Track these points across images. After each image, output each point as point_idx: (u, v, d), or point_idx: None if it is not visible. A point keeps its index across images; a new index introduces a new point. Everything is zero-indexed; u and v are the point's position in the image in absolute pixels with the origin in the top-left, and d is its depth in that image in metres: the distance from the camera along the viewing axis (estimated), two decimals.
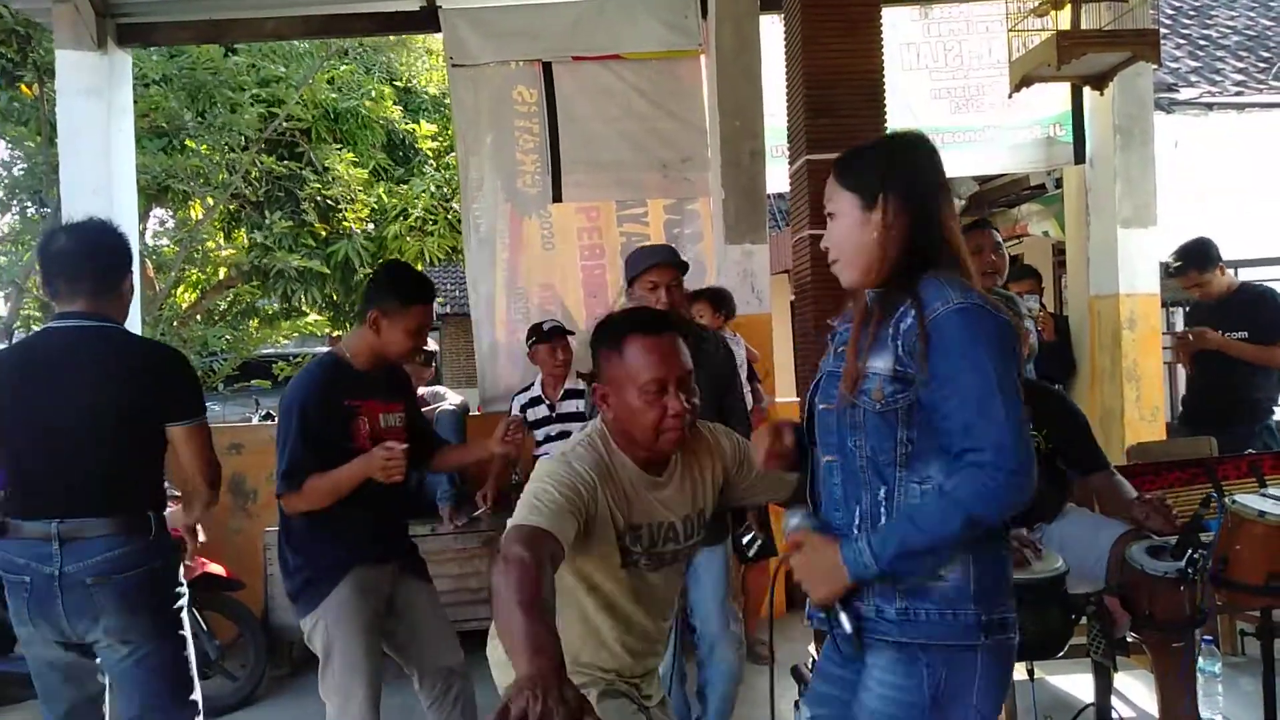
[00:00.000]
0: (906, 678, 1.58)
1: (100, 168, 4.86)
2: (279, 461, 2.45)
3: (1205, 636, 2.82)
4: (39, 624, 2.22)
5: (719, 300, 4.31)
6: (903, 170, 1.66)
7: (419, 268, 10.35)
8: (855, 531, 1.61)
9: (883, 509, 1.59)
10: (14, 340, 7.12)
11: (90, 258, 2.29)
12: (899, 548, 1.52)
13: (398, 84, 10.02)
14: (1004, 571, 1.63)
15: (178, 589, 2.38)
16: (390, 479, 2.41)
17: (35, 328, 8.90)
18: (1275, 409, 4.28)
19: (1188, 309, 4.75)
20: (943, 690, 1.56)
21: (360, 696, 2.47)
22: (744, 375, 4.20)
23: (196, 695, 2.38)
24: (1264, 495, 2.55)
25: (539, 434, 4.44)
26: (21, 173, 8.08)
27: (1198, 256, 4.28)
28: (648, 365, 1.77)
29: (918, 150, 1.71)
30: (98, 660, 2.31)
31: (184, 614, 2.39)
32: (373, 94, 9.18)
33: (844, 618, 1.62)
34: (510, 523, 1.65)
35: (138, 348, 2.36)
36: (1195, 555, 2.31)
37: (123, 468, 2.25)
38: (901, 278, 1.61)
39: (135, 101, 5.63)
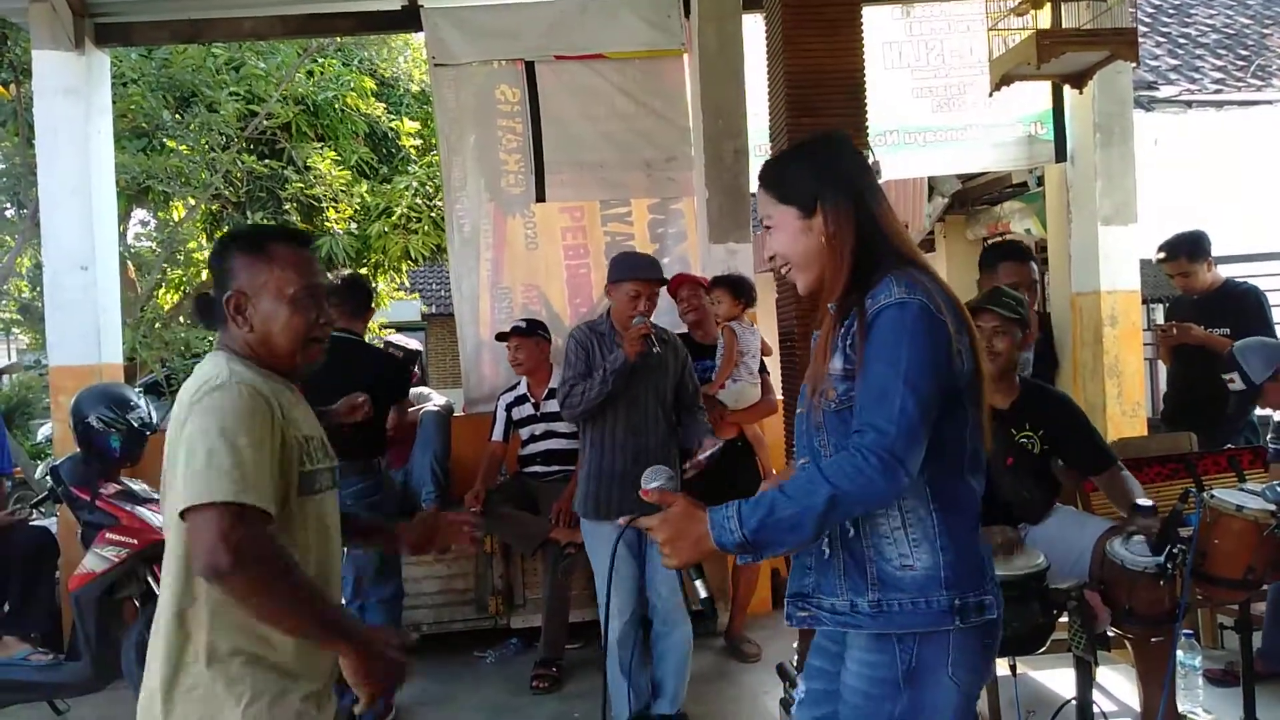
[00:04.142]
0: (880, 653, 1.61)
1: (79, 168, 4.82)
2: None
3: (1185, 630, 2.85)
4: None
5: (739, 288, 4.28)
6: (833, 174, 1.69)
7: (403, 266, 10.35)
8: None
9: None
10: None
11: None
12: (767, 515, 1.51)
13: (380, 76, 9.96)
14: (977, 556, 1.64)
15: None
16: None
17: (15, 331, 8.83)
18: (1255, 405, 4.31)
19: (1169, 304, 4.78)
20: (915, 665, 1.59)
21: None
22: (755, 366, 4.23)
23: None
24: (1242, 490, 2.58)
25: (524, 433, 4.44)
26: None
27: (1190, 245, 4.32)
28: (302, 272, 1.68)
29: (842, 150, 1.74)
30: None
31: None
32: (353, 86, 9.12)
33: (699, 584, 1.67)
34: (212, 495, 1.46)
35: None
36: (1174, 550, 2.34)
37: None
38: (858, 281, 1.64)
39: (114, 101, 5.58)
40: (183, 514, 1.51)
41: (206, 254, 9.50)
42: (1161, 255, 4.42)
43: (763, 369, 4.31)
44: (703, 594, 1.68)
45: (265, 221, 8.74)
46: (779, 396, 4.23)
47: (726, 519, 1.53)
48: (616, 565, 3.25)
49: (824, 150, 1.74)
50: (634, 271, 3.34)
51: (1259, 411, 4.37)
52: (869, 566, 1.61)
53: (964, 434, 1.62)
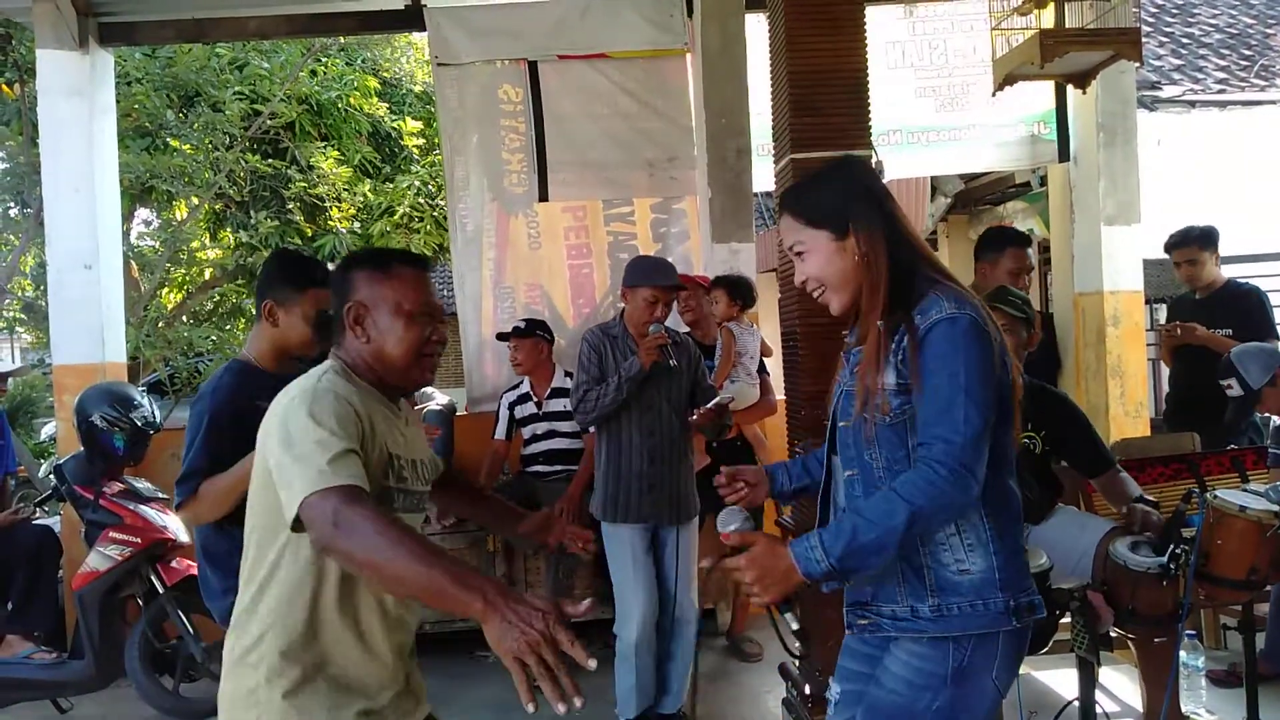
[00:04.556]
0: (933, 648, 1.65)
1: (83, 167, 4.83)
2: (183, 470, 2.32)
3: (1188, 631, 2.84)
4: None
5: (736, 289, 4.28)
6: (860, 195, 1.74)
7: None
8: None
9: None
10: None
11: None
12: (850, 542, 1.56)
13: (383, 75, 9.97)
14: (1023, 558, 1.71)
15: None
16: None
17: (19, 330, 8.84)
18: (1253, 411, 4.30)
19: (1170, 304, 4.77)
20: (966, 665, 1.64)
21: None
22: (753, 366, 4.23)
23: None
24: (1246, 491, 2.57)
25: (526, 432, 4.44)
26: (3, 172, 8.02)
27: (1202, 235, 4.31)
28: (420, 290, 1.74)
29: (862, 171, 1.82)
30: None
31: None
32: (356, 85, 9.13)
33: (789, 617, 1.72)
34: (307, 486, 1.46)
35: None
36: (1178, 550, 2.33)
37: None
38: (901, 297, 1.68)
39: (118, 100, 5.59)
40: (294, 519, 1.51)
41: (210, 254, 9.54)
42: (1172, 242, 4.40)
43: (762, 369, 4.31)
44: (795, 626, 1.70)
45: (267, 220, 8.75)
46: (780, 397, 4.23)
47: (810, 549, 1.58)
48: (634, 570, 3.25)
49: (846, 172, 1.79)
50: (652, 277, 3.32)
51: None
52: (926, 573, 1.66)
53: (1007, 439, 1.69)
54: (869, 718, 1.73)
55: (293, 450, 1.52)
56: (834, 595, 1.81)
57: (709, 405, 3.03)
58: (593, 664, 1.26)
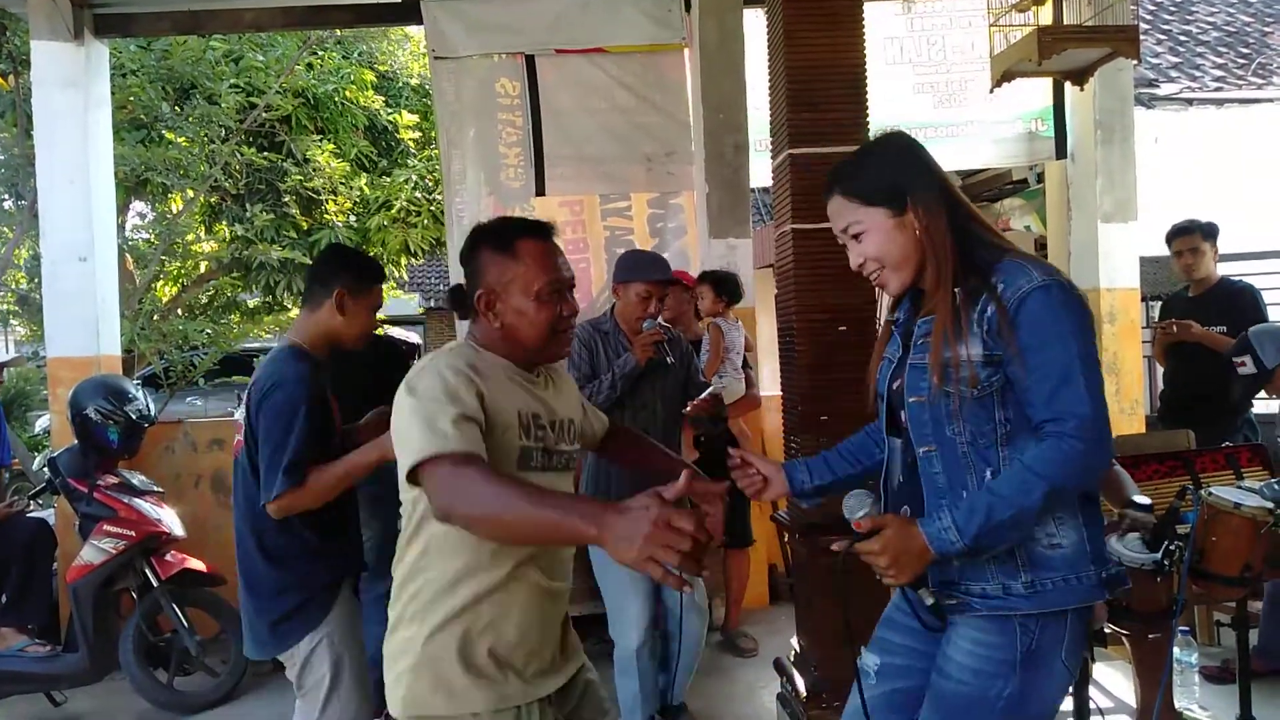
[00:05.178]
0: (999, 635, 1.62)
1: (77, 159, 4.81)
2: (273, 461, 2.23)
3: (1182, 627, 2.85)
4: None
5: (721, 285, 4.29)
6: (913, 167, 1.71)
7: (403, 260, 10.33)
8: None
9: None
10: None
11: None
12: (985, 521, 1.54)
13: (380, 69, 9.93)
14: (1103, 529, 1.69)
15: None
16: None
17: (13, 322, 8.81)
18: (1254, 402, 4.31)
19: (1164, 301, 4.77)
20: (1035, 649, 1.61)
21: (366, 711, 2.39)
22: (739, 361, 4.23)
23: None
24: (1240, 488, 2.58)
25: None
26: None
27: (1207, 226, 4.31)
28: (547, 267, 1.74)
29: (909, 144, 1.77)
30: None
31: None
32: (353, 79, 9.10)
33: (925, 593, 1.66)
34: (418, 454, 1.50)
35: None
36: (1172, 547, 2.34)
37: None
38: (971, 267, 1.64)
39: (113, 92, 5.56)
40: (410, 479, 1.55)
41: (205, 247, 9.50)
42: (1174, 231, 4.39)
43: (745, 364, 4.33)
44: (929, 602, 1.67)
45: (263, 214, 8.72)
46: (776, 392, 4.23)
47: (944, 530, 1.56)
48: (628, 574, 3.11)
49: (896, 147, 1.76)
50: (645, 272, 3.25)
51: (1260, 410, 4.38)
52: (1018, 550, 1.62)
53: None
54: (937, 711, 1.70)
55: (412, 415, 1.56)
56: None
57: (703, 395, 2.99)
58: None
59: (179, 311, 8.98)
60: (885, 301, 1.91)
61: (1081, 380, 1.53)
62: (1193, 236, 4.31)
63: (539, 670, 1.73)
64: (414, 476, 1.53)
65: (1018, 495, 1.54)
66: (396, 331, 5.89)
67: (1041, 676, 1.61)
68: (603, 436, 2.10)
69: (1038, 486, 1.52)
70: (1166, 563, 2.33)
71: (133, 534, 3.86)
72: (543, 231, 1.78)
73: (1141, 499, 2.64)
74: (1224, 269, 4.48)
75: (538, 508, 1.40)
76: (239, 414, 2.40)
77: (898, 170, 1.70)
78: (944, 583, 1.70)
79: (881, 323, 1.91)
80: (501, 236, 1.76)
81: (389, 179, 9.65)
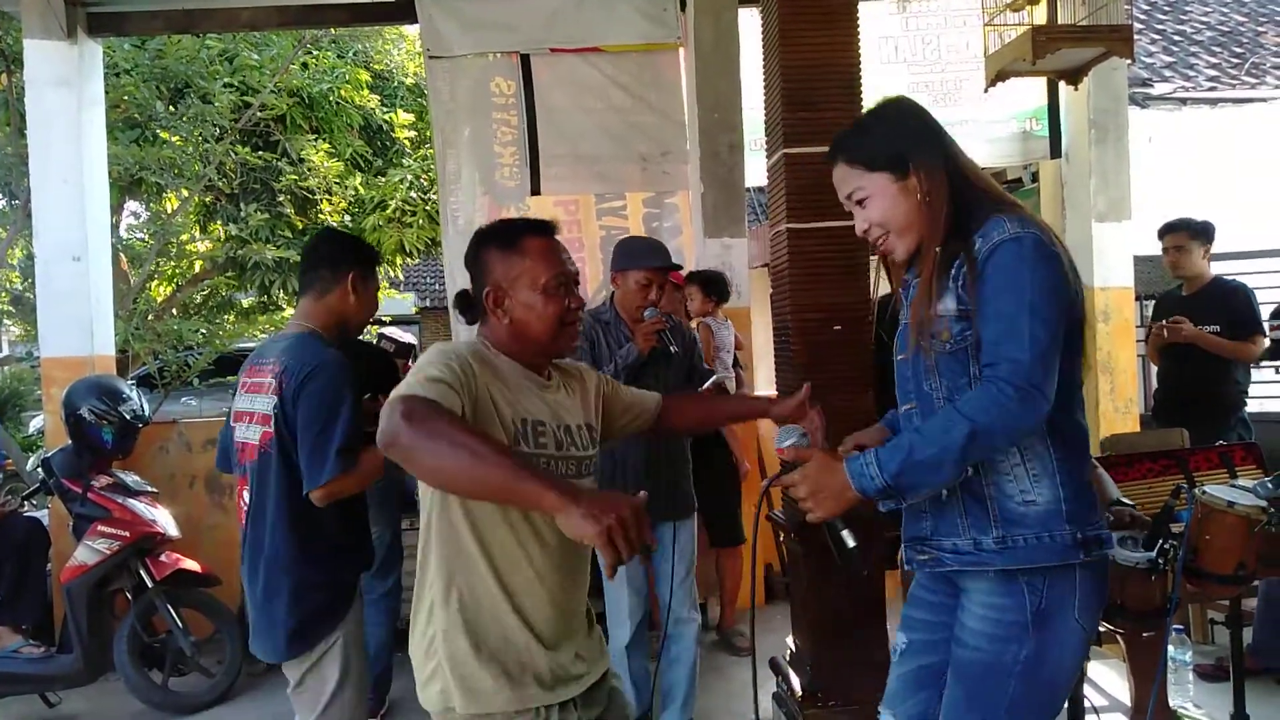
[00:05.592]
0: (1007, 596, 1.62)
1: (71, 159, 4.80)
2: (318, 446, 2.18)
3: (1176, 625, 2.85)
4: None
5: (710, 285, 4.30)
6: (917, 132, 1.71)
7: (398, 260, 10.32)
8: None
9: None
10: None
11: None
12: (906, 458, 1.54)
13: (375, 68, 9.92)
14: (1090, 492, 1.67)
15: None
16: None
17: (8, 323, 8.79)
18: (1247, 401, 4.33)
19: (1156, 300, 4.78)
20: (1044, 607, 1.60)
21: (363, 713, 2.37)
22: (729, 360, 4.23)
23: None
24: (1234, 486, 2.58)
25: None
26: None
27: (1195, 224, 4.30)
28: (552, 262, 1.77)
29: (914, 109, 1.76)
30: None
31: None
32: (347, 78, 9.08)
33: (846, 533, 1.67)
34: (394, 397, 1.51)
35: None
36: (1166, 546, 2.34)
37: None
38: (964, 227, 1.64)
39: (106, 92, 5.55)
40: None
41: (199, 246, 9.48)
42: (1164, 229, 4.39)
43: (736, 363, 4.35)
44: (850, 543, 1.67)
45: (257, 213, 8.70)
46: (772, 391, 4.23)
47: (865, 466, 1.56)
48: (626, 567, 3.10)
49: (898, 112, 1.76)
50: (644, 259, 3.13)
51: (1254, 409, 4.39)
52: (990, 505, 1.62)
53: (1075, 371, 1.65)
54: (958, 681, 1.69)
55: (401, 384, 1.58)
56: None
57: (705, 387, 2.91)
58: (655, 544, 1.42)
59: (173, 311, 8.96)
60: (884, 285, 1.91)
61: (1026, 330, 1.52)
62: (1179, 234, 4.32)
63: (559, 674, 1.72)
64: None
65: (939, 434, 1.53)
66: (394, 330, 5.88)
67: (1055, 637, 1.61)
68: (658, 414, 2.10)
69: (960, 426, 1.51)
70: (1161, 561, 2.34)
71: (127, 534, 3.85)
72: (546, 229, 1.82)
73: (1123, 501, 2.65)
74: (1217, 268, 4.49)
75: (493, 466, 1.38)
76: (262, 405, 2.30)
77: (900, 135, 1.70)
78: (916, 539, 1.71)
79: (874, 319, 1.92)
80: (506, 235, 1.79)
81: (384, 179, 9.64)
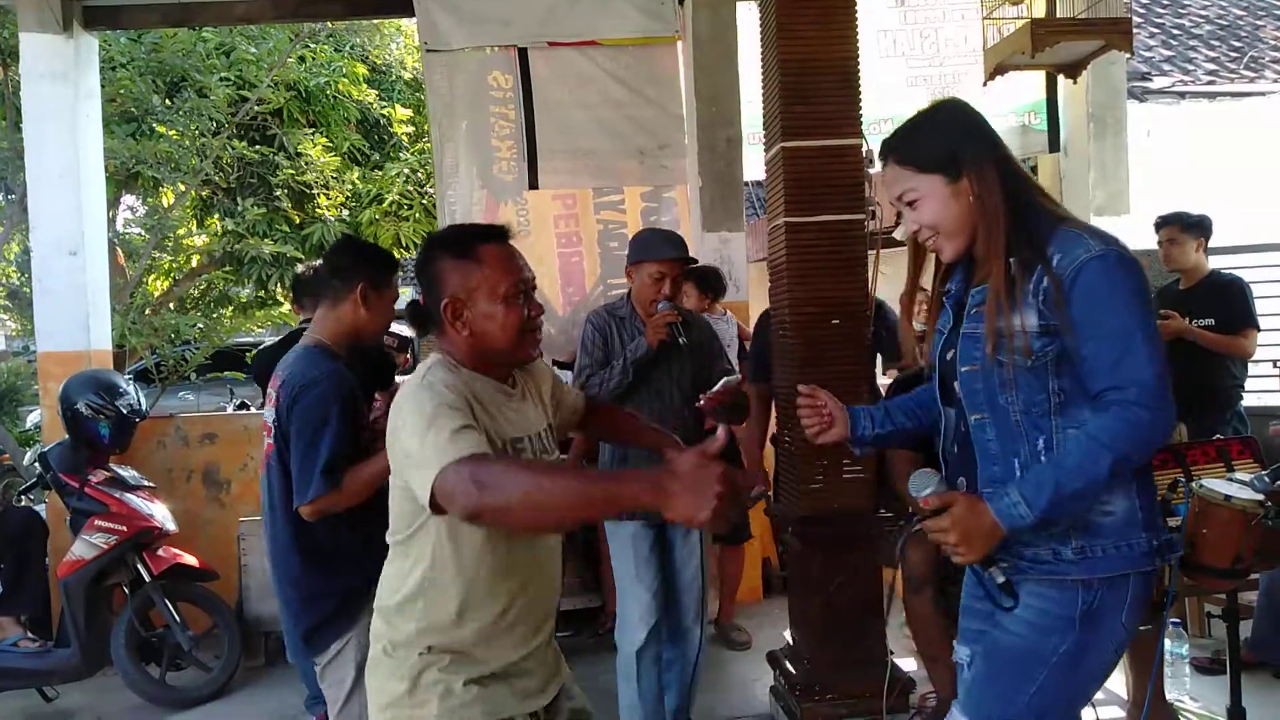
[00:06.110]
0: (1060, 591, 1.62)
1: (67, 153, 4.78)
2: (305, 463, 2.20)
3: (1173, 619, 2.86)
4: None
5: (705, 281, 4.29)
6: (969, 134, 1.70)
7: (395, 254, 10.31)
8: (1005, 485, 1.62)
9: (1042, 458, 1.63)
10: None
11: None
12: (1054, 494, 1.55)
13: (372, 62, 9.90)
14: (1157, 497, 1.69)
15: None
16: None
17: (4, 317, 8.77)
18: (1243, 395, 4.33)
19: (1155, 293, 4.77)
20: (1096, 608, 1.61)
21: None
22: (734, 353, 4.21)
23: None
24: (1231, 480, 2.58)
25: None
26: None
27: (1190, 218, 4.29)
28: (510, 269, 1.71)
29: (967, 111, 1.75)
30: None
31: None
32: (345, 72, 9.06)
33: (995, 571, 1.66)
34: (438, 462, 1.46)
35: None
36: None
37: None
38: (1027, 237, 1.64)
39: (103, 85, 5.53)
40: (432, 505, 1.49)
41: (196, 241, 9.47)
42: (1159, 221, 4.39)
43: (741, 353, 4.34)
44: (1000, 580, 1.67)
45: (254, 208, 8.69)
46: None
47: (1013, 506, 1.57)
48: (637, 571, 2.99)
49: (950, 114, 1.75)
50: (658, 251, 3.03)
51: (1250, 403, 4.39)
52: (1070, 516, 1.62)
53: None
54: (986, 659, 1.70)
55: (414, 439, 1.52)
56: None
57: (716, 388, 2.83)
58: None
59: (170, 306, 8.95)
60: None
61: (1143, 347, 1.54)
62: (1172, 227, 4.32)
63: (525, 687, 1.71)
64: (436, 505, 1.48)
65: (1086, 466, 1.54)
66: (394, 325, 5.87)
67: (1099, 637, 1.62)
68: (584, 413, 2.06)
69: (1104, 457, 1.53)
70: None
71: (124, 529, 3.84)
72: (501, 235, 1.75)
73: None
74: (1215, 262, 4.48)
75: (588, 484, 1.40)
76: (268, 415, 2.34)
77: (952, 137, 1.69)
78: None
79: (931, 295, 1.90)
80: (460, 244, 1.72)
81: (381, 173, 9.63)
